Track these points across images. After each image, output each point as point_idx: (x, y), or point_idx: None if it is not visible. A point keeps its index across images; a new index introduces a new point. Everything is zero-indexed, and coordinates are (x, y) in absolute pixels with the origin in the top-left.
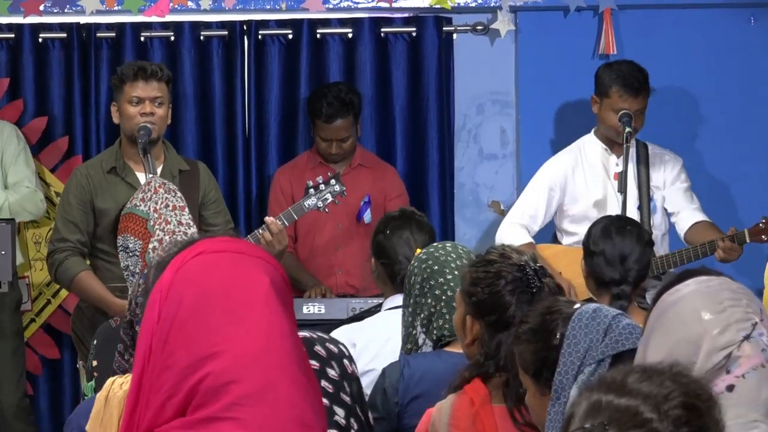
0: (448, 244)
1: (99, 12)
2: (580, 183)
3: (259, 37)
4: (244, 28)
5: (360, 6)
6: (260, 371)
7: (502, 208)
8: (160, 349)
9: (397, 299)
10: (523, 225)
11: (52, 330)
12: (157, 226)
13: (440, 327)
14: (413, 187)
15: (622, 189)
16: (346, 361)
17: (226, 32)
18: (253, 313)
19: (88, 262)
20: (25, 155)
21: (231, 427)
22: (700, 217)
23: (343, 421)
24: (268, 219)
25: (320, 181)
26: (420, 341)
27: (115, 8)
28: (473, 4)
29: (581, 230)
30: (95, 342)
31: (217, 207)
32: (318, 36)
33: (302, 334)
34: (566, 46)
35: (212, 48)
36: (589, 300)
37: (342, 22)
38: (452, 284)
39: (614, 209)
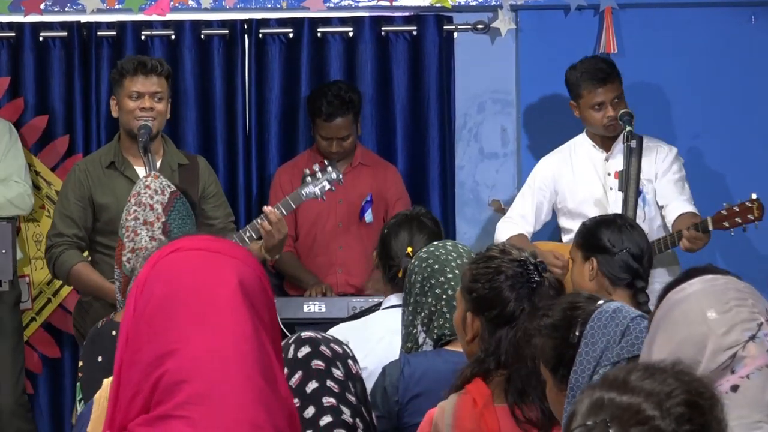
0: (448, 243)
1: (100, 11)
2: (569, 181)
3: (260, 35)
4: (245, 26)
5: (361, 5)
6: (212, 371)
7: (502, 206)
8: (132, 343)
9: (393, 299)
10: (515, 223)
11: (53, 329)
12: (126, 238)
13: (440, 326)
14: (414, 186)
15: (623, 188)
16: (350, 362)
17: (227, 31)
18: (214, 313)
19: (86, 254)
20: (14, 149)
21: (181, 425)
22: (687, 208)
23: (350, 420)
24: (266, 208)
25: (317, 169)
26: (420, 340)
27: (116, 7)
28: (474, 3)
29: (576, 227)
30: (84, 343)
31: (217, 200)
32: (319, 35)
33: (307, 334)
34: (567, 45)
35: (213, 47)
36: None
37: (343, 21)
38: (453, 283)
39: (606, 206)
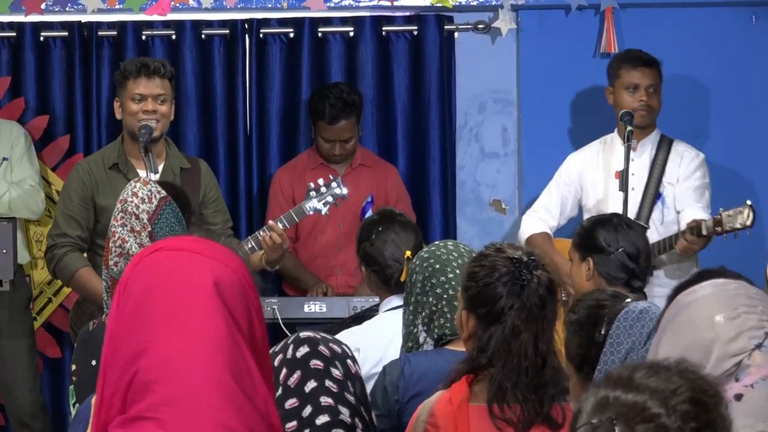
0: (449, 243)
1: (100, 11)
2: (593, 178)
3: (261, 35)
4: (246, 26)
5: (361, 5)
6: (181, 372)
7: (503, 206)
8: (113, 342)
9: (394, 301)
10: (540, 217)
11: (53, 329)
12: (113, 244)
13: (441, 326)
14: (415, 186)
15: (623, 188)
16: (349, 362)
17: (228, 31)
18: (186, 313)
19: (86, 256)
20: (30, 155)
21: (153, 427)
22: (700, 215)
23: (348, 420)
24: (270, 222)
25: (321, 184)
26: (421, 339)
27: (117, 7)
28: (475, 3)
29: None
30: (76, 345)
31: (217, 206)
32: (319, 35)
33: (306, 333)
34: (568, 45)
35: (213, 47)
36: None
37: (343, 21)
38: (453, 283)
39: (628, 204)
